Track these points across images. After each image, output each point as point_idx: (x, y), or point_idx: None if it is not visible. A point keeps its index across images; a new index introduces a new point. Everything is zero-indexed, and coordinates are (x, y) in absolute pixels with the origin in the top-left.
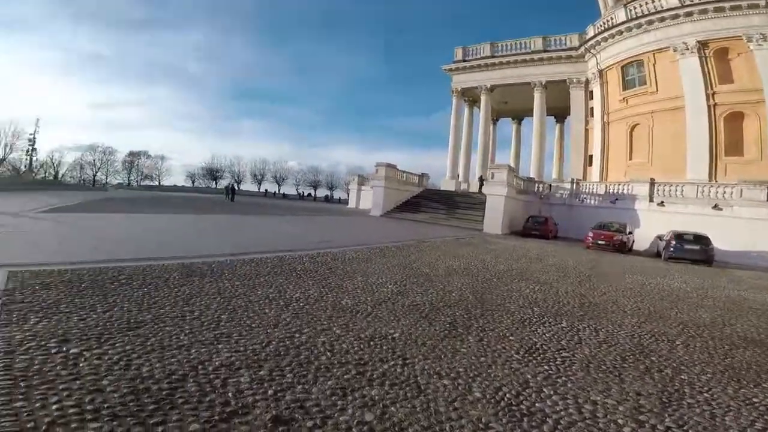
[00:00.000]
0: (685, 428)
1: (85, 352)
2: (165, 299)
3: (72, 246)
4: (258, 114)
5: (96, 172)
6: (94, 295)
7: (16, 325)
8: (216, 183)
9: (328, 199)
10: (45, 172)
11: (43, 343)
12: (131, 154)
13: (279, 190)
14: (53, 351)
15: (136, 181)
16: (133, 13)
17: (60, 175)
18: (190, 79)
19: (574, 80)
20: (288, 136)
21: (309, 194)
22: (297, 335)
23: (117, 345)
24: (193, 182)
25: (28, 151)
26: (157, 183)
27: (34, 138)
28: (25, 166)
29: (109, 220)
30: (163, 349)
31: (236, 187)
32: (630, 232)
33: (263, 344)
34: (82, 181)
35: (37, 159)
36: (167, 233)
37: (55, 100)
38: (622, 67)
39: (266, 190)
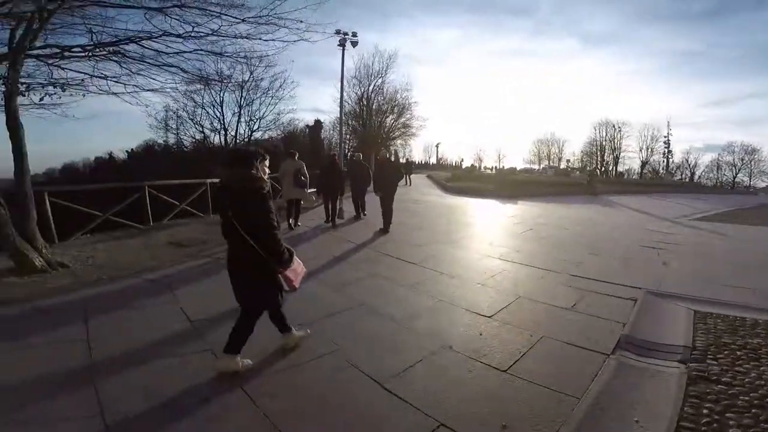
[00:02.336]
0: None
1: None
2: None
3: (755, 276)
4: None
5: (736, 174)
6: None
7: None
8: None
9: None
10: (681, 174)
11: None
12: None
13: None
14: None
15: None
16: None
17: (696, 177)
18: None
19: None
20: None
21: None
22: None
23: None
24: None
25: (664, 153)
26: None
27: (668, 140)
28: (663, 168)
29: None
30: None
31: None
32: None
33: None
34: (718, 183)
35: (672, 161)
36: None
37: (666, 102)
38: None
39: None
